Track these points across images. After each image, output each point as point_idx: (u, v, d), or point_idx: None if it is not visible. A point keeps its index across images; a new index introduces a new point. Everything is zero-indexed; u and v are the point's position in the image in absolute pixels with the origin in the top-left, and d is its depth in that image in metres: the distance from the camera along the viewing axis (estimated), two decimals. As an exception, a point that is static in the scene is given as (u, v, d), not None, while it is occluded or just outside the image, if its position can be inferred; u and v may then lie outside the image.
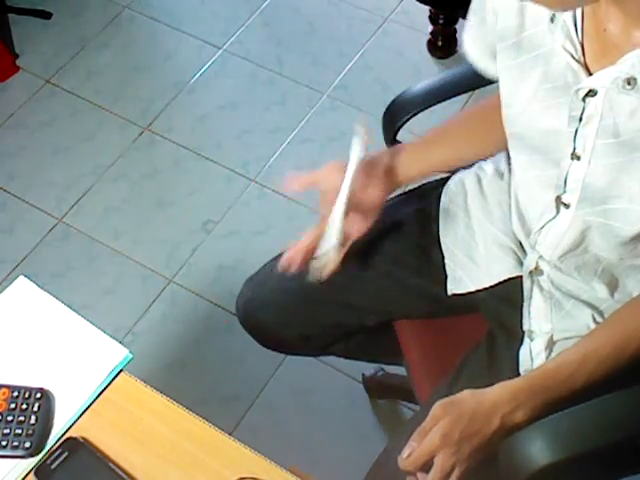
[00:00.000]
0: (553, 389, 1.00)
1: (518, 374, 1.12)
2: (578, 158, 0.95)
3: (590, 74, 0.90)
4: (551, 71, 0.94)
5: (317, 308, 1.29)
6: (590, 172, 0.95)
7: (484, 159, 1.27)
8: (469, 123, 1.25)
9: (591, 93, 0.90)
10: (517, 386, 1.00)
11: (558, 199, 1.02)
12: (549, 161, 1.00)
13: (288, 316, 1.30)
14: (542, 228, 1.08)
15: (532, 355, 1.13)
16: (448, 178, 1.30)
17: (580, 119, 0.93)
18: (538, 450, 0.97)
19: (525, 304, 1.16)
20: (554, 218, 1.05)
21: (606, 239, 1.01)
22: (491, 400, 0.99)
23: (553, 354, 1.11)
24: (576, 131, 0.94)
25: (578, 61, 0.91)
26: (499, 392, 0.99)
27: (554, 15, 0.91)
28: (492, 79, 1.14)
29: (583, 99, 0.91)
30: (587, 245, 1.05)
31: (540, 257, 1.12)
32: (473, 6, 1.08)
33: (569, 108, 0.93)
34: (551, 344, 1.12)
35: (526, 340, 1.15)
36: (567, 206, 1.01)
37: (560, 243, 1.06)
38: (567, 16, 0.90)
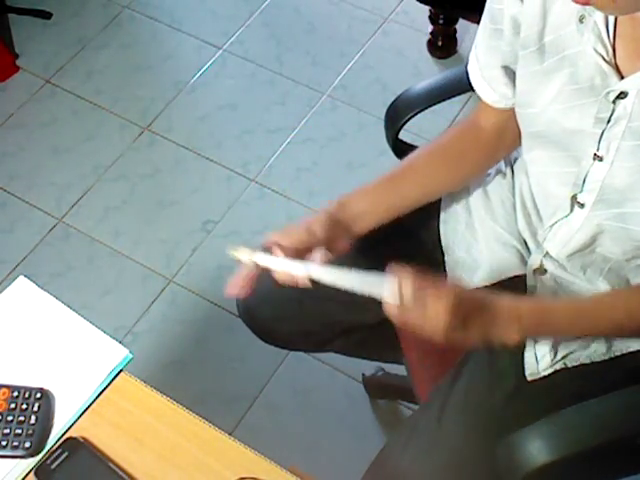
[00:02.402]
0: (553, 327, 1.01)
1: (520, 374, 1.11)
2: (600, 159, 0.95)
3: (621, 76, 0.90)
4: (578, 73, 0.94)
5: (317, 304, 1.28)
6: (611, 173, 0.95)
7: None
8: (434, 159, 1.19)
9: (622, 95, 0.90)
10: (523, 310, 0.98)
11: (574, 198, 1.02)
12: (570, 158, 1.00)
13: (288, 311, 1.29)
14: (553, 225, 1.08)
15: (537, 358, 1.11)
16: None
17: (608, 121, 0.92)
18: (536, 449, 0.97)
19: None
20: (567, 217, 1.05)
21: (620, 242, 1.01)
22: (499, 307, 0.97)
23: (558, 356, 1.10)
24: (602, 133, 0.93)
25: (609, 63, 0.90)
26: (508, 309, 0.97)
27: (583, 16, 0.90)
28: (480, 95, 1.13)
29: (613, 101, 0.90)
30: (596, 246, 1.05)
31: (545, 256, 1.12)
32: (485, 18, 1.06)
33: (597, 110, 0.92)
34: (556, 345, 1.11)
35: (530, 342, 1.14)
36: (582, 206, 1.01)
37: (570, 242, 1.06)
38: (598, 17, 0.89)
